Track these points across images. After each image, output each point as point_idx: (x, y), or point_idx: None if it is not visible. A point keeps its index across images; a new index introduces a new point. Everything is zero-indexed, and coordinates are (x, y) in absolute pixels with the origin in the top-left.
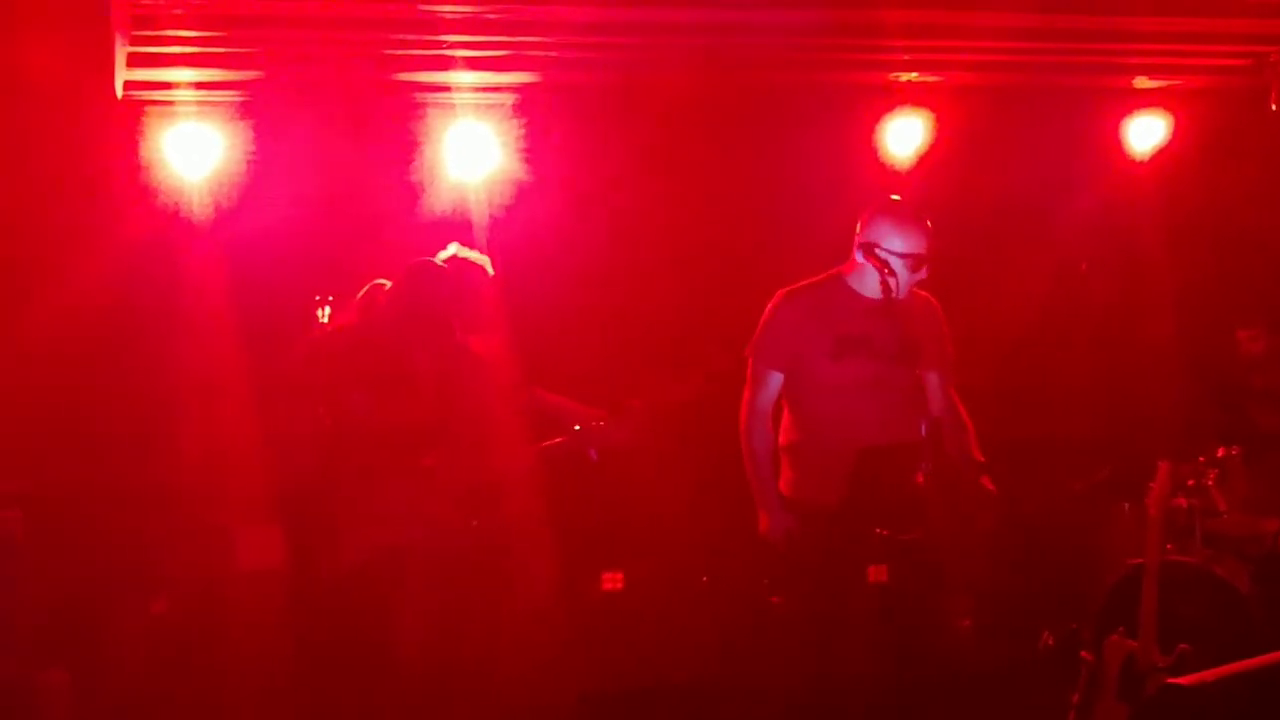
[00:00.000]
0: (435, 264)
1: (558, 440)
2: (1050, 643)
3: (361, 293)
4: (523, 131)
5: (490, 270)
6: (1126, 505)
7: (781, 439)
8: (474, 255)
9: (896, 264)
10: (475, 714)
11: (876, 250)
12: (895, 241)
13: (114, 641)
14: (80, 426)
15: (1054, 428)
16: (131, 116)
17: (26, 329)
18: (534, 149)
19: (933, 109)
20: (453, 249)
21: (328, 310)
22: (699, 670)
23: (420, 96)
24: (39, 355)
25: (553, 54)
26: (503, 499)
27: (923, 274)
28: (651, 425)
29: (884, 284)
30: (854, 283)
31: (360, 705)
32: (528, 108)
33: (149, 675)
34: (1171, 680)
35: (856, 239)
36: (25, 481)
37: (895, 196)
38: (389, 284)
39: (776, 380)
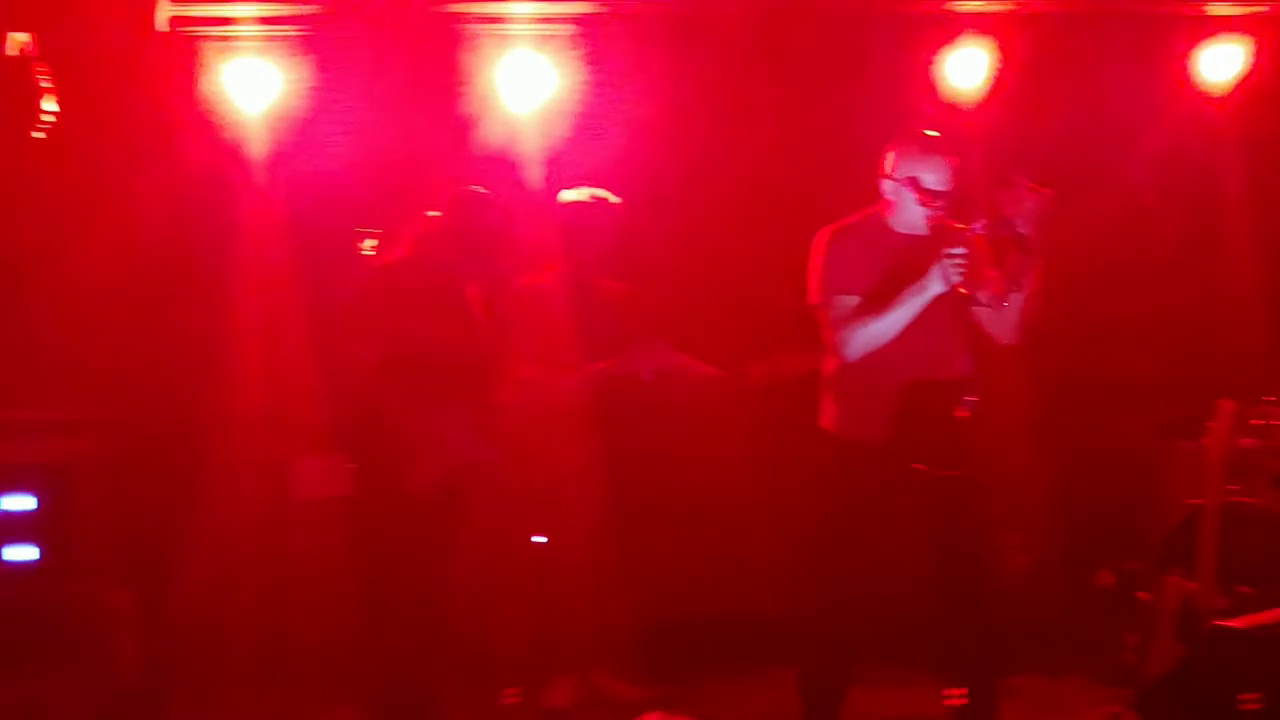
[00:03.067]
0: (481, 193)
1: (611, 361)
2: (1109, 581)
3: (412, 225)
4: (582, 63)
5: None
6: (1189, 445)
7: (825, 375)
8: (601, 193)
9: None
10: (524, 642)
11: (917, 182)
12: (930, 177)
13: (179, 565)
14: (146, 357)
15: (1122, 366)
16: (184, 50)
17: (92, 260)
18: (595, 81)
19: (996, 37)
20: (581, 190)
21: (373, 243)
22: (743, 602)
23: (477, 28)
24: (106, 287)
25: None
26: (560, 433)
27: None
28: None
29: (933, 218)
30: (891, 220)
31: (417, 626)
32: (588, 38)
33: (212, 598)
34: (1221, 622)
35: (891, 174)
36: (94, 410)
37: (931, 131)
38: (438, 215)
39: (855, 304)
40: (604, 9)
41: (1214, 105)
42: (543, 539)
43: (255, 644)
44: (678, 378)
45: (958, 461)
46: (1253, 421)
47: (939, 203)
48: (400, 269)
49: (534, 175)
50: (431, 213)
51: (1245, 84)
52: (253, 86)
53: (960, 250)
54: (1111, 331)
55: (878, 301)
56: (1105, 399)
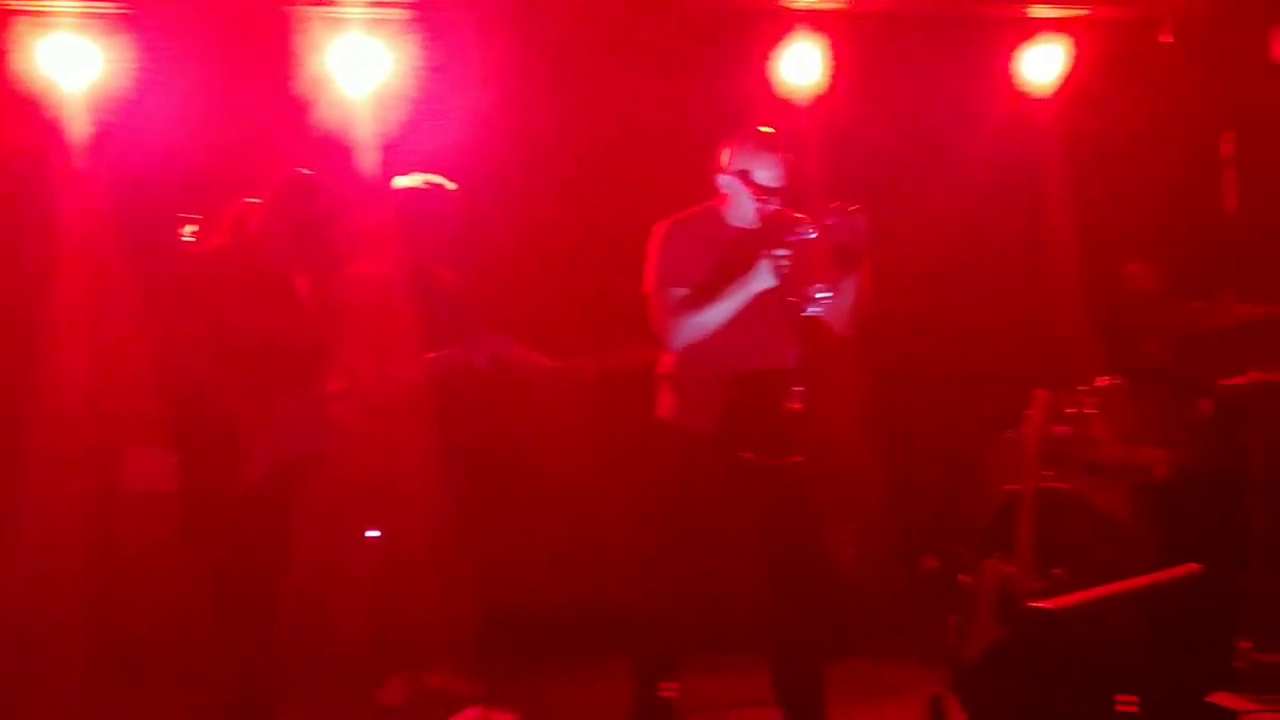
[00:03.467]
0: (307, 175)
1: (444, 351)
2: (932, 566)
3: (230, 212)
4: (418, 47)
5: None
6: (1009, 434)
7: (661, 367)
8: (437, 180)
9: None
10: (365, 638)
11: (750, 178)
12: (763, 173)
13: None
14: None
15: (950, 359)
16: None
17: None
18: (430, 66)
19: (828, 34)
20: (416, 177)
21: (192, 229)
22: (580, 594)
23: (308, 9)
24: None
25: None
26: (395, 424)
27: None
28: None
29: (762, 212)
30: (727, 214)
31: (249, 622)
32: (423, 22)
33: (33, 594)
34: (1033, 604)
35: (727, 169)
36: None
37: (765, 128)
38: (258, 201)
39: (684, 295)
40: None
41: (1036, 105)
42: (376, 533)
43: (79, 641)
44: (514, 368)
45: (787, 451)
46: (1067, 410)
47: (772, 198)
48: (224, 255)
49: (368, 161)
50: (251, 199)
51: (1066, 84)
52: (71, 65)
53: (784, 251)
54: (940, 326)
55: (705, 294)
56: (934, 392)
